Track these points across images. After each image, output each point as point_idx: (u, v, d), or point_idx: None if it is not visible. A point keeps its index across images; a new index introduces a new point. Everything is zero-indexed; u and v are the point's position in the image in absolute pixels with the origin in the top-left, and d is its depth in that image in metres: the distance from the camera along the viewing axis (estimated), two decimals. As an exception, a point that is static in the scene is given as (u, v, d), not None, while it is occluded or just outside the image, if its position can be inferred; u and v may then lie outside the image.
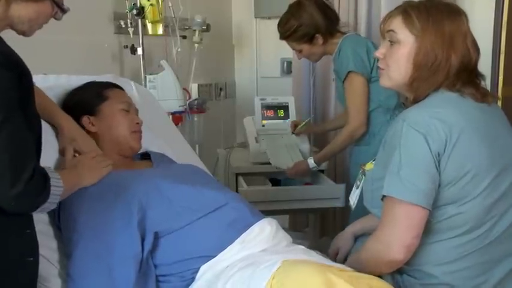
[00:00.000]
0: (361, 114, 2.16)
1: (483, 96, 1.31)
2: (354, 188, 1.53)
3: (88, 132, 1.55)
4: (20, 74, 1.06)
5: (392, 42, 1.34)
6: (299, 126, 2.54)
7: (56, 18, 1.19)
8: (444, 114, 1.24)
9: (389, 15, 1.36)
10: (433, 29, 1.28)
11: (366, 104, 2.16)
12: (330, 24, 2.21)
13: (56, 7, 1.16)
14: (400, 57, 1.32)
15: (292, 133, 2.54)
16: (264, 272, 1.16)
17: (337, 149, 2.30)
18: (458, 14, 1.32)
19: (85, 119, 1.55)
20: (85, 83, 1.65)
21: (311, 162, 2.31)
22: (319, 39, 2.21)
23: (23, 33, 1.15)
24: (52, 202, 1.13)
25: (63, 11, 1.19)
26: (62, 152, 1.46)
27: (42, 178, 1.10)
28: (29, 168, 1.04)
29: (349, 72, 2.13)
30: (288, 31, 2.23)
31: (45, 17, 1.16)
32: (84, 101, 1.58)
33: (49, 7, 1.15)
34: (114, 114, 1.57)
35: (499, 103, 2.57)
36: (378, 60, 1.40)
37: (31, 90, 1.13)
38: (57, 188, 1.14)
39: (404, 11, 1.32)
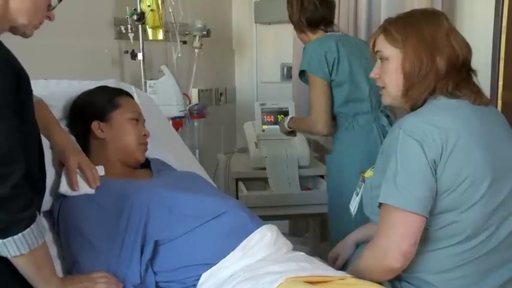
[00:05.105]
0: (322, 114, 2.17)
1: (478, 96, 1.32)
2: (354, 196, 1.52)
3: (96, 137, 1.56)
4: (19, 80, 1.04)
5: (382, 60, 1.37)
6: None
7: (49, 16, 1.16)
8: (441, 120, 1.25)
9: (373, 37, 1.40)
10: (413, 36, 1.31)
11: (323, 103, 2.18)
12: (306, 21, 2.23)
13: None
14: (391, 71, 1.35)
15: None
16: None
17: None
18: (436, 16, 1.35)
19: (95, 124, 1.56)
20: (97, 87, 1.66)
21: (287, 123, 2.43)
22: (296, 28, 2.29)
23: (24, 34, 1.13)
24: (24, 241, 0.98)
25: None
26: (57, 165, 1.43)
27: (29, 196, 1.00)
28: (16, 174, 0.96)
29: (301, 71, 2.21)
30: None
31: (42, 10, 1.13)
32: (96, 106, 1.58)
33: None
34: (124, 123, 1.57)
35: (499, 108, 2.57)
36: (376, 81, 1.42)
37: (30, 96, 1.11)
38: (40, 231, 1.02)
39: (384, 29, 1.37)
